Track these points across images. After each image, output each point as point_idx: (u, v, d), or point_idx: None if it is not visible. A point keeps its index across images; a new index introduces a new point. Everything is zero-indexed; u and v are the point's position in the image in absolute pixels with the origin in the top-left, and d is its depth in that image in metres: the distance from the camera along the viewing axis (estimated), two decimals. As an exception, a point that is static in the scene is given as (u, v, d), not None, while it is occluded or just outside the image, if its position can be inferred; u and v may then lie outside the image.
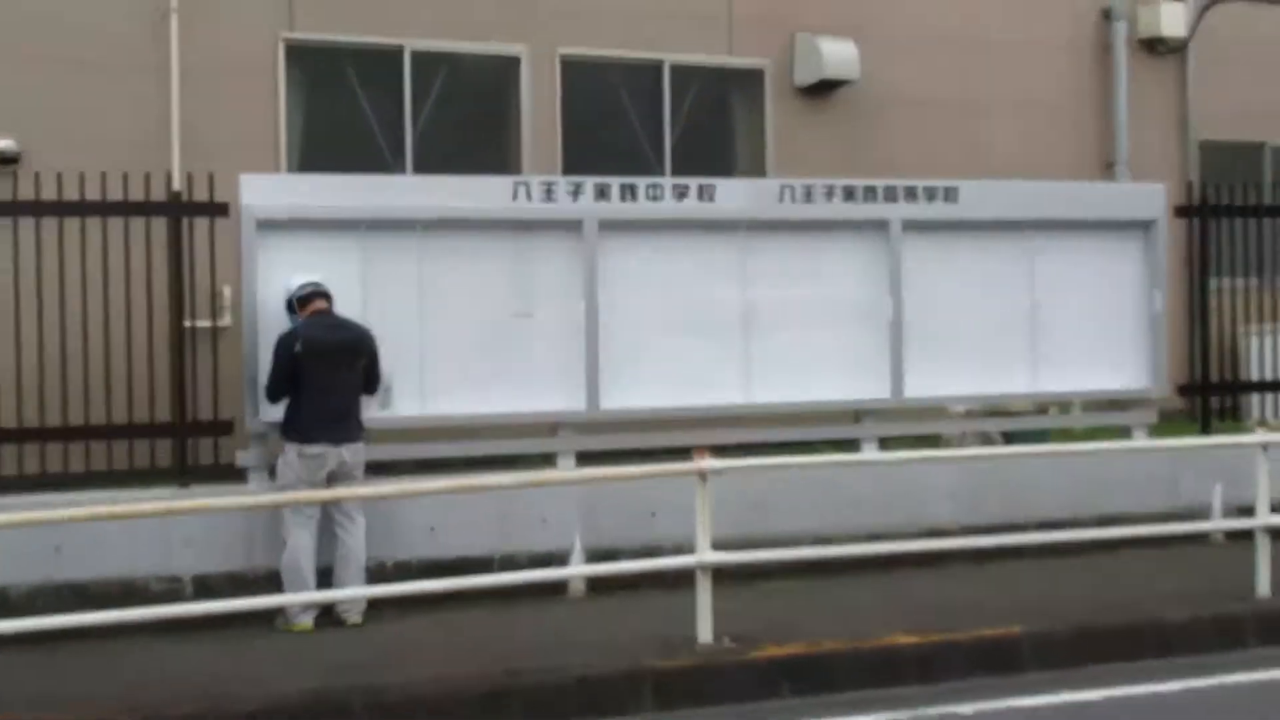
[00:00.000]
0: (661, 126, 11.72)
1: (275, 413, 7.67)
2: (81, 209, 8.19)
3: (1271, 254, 10.74)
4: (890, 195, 8.95)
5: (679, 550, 7.83)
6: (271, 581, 7.57)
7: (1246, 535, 7.85)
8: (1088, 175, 12.94)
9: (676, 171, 11.31)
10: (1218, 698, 6.47)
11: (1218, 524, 8.82)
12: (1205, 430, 10.20)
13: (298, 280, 7.69)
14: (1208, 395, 10.31)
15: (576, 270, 8.38)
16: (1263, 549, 7.65)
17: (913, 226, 8.95)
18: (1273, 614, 7.42)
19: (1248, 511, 7.90)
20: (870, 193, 8.92)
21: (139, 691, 6.31)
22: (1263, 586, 7.60)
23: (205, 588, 7.60)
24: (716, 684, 6.54)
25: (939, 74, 12.57)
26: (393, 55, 10.99)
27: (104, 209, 8.19)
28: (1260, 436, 7.83)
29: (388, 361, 7.87)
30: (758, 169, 11.98)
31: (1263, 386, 11.04)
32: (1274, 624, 7.38)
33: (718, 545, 6.92)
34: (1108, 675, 6.75)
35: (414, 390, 8.13)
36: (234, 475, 8.03)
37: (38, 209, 8.13)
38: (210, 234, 8.27)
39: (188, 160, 9.64)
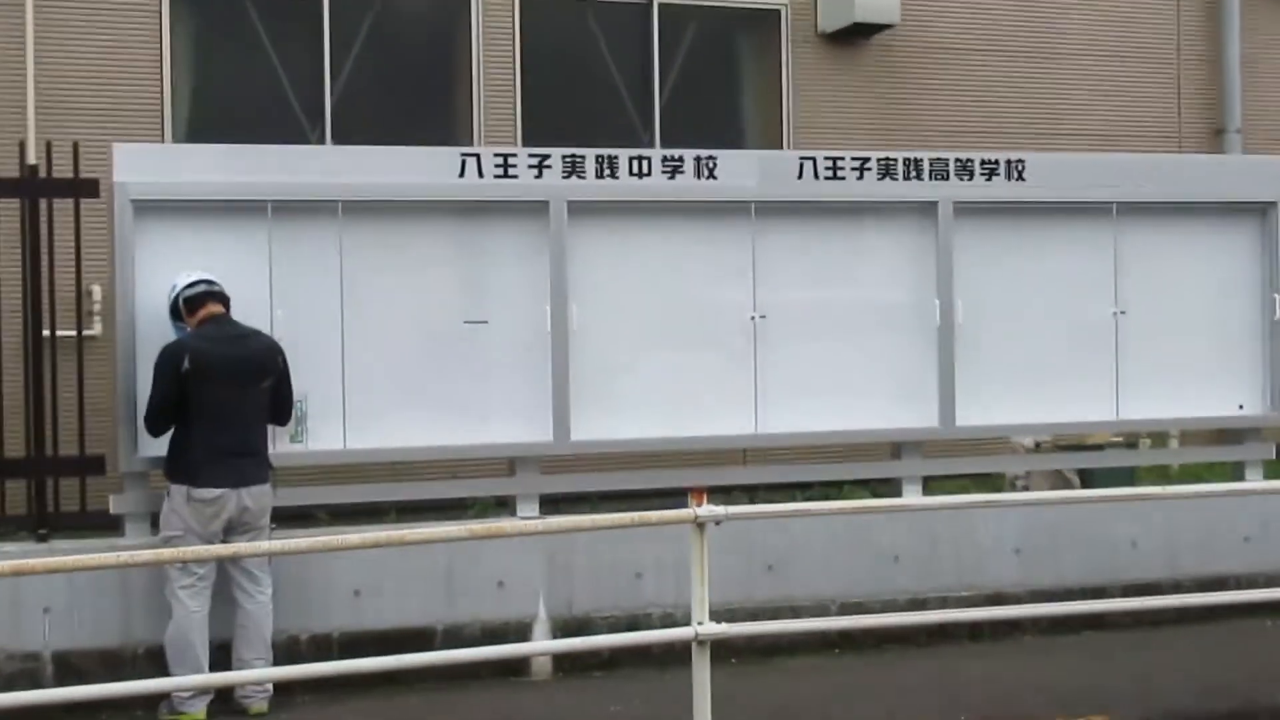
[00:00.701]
0: (649, 83, 11.79)
1: (159, 446, 7.70)
2: (-89, 188, 8.24)
3: None
4: (939, 171, 9.02)
5: (670, 620, 7.93)
6: (154, 660, 7.60)
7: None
8: (1190, 145, 13.05)
9: (668, 141, 11.43)
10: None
11: (1354, 585, 8.90)
12: (1338, 468, 10.30)
13: (186, 278, 7.71)
14: (1341, 424, 10.39)
15: (541, 265, 8.41)
16: None
17: (967, 210, 9.03)
18: None
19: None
20: (913, 167, 8.98)
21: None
22: None
23: (69, 667, 7.62)
24: (717, 788, 6.61)
25: (1001, 16, 12.68)
26: (307, -8, 11.07)
27: (-60, 188, 8.25)
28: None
29: (302, 382, 7.92)
30: (772, 137, 12.08)
31: None
32: None
33: (719, 613, 6.90)
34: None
35: (335, 419, 8.15)
36: (106, 525, 8.07)
37: None
38: (75, 219, 8.30)
39: (46, 126, 9.71)
